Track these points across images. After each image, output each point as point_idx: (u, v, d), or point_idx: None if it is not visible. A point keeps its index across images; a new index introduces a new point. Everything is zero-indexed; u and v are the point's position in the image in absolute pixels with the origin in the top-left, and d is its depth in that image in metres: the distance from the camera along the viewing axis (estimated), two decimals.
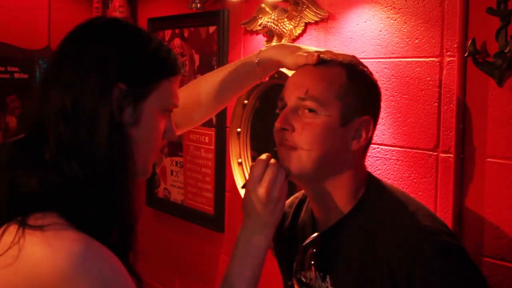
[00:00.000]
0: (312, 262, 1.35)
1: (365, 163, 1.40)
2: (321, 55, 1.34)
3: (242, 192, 2.40)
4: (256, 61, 1.49)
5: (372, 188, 1.34)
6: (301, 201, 1.51)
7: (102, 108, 1.09)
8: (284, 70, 2.12)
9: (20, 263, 0.98)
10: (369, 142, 1.36)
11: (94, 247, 1.01)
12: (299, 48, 1.43)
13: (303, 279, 1.39)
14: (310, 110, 1.28)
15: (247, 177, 2.41)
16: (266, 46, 2.27)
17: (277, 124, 1.31)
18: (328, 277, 1.33)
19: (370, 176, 1.37)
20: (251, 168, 1.29)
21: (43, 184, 1.04)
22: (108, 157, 1.09)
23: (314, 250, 1.35)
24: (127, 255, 1.17)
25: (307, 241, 1.35)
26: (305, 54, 1.36)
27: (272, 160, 1.29)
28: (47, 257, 0.97)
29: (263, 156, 1.29)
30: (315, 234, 1.35)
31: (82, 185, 1.07)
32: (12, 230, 1.00)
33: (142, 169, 1.22)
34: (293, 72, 1.40)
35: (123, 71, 1.12)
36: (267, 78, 1.57)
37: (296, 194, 1.57)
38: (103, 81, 1.10)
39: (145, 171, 1.24)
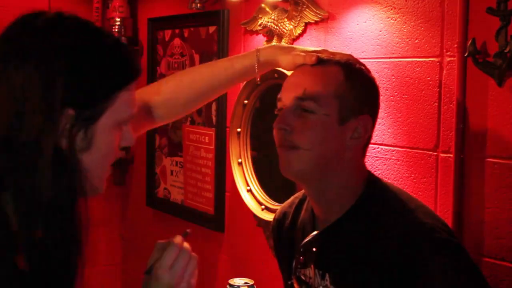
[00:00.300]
0: (312, 260, 1.35)
1: (365, 163, 1.40)
2: (318, 55, 1.34)
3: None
4: (257, 60, 1.47)
5: (371, 187, 1.34)
6: (301, 201, 1.51)
7: (46, 141, 0.96)
8: (283, 70, 2.12)
9: None
10: (368, 140, 1.36)
11: None
12: (294, 48, 1.43)
13: (303, 277, 1.39)
14: (309, 110, 1.29)
15: (247, 177, 2.42)
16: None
17: (276, 125, 1.32)
18: (327, 275, 1.34)
19: (370, 174, 1.38)
20: (163, 251, 1.17)
21: None
22: (51, 200, 0.97)
23: (314, 248, 1.35)
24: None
25: (307, 239, 1.36)
26: (302, 54, 1.36)
27: (186, 245, 1.20)
28: None
29: (177, 239, 1.19)
30: (315, 232, 1.35)
31: (27, 216, 0.97)
32: None
33: (97, 187, 1.09)
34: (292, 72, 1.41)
35: (71, 94, 0.98)
36: (258, 77, 1.56)
37: (296, 194, 1.57)
38: (47, 107, 0.96)
39: (100, 189, 1.10)
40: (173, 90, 1.52)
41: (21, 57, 0.99)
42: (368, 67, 1.42)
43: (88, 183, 1.04)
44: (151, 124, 1.54)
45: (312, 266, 1.35)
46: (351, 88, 1.31)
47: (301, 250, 1.38)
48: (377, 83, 1.40)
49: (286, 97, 1.33)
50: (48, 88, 0.97)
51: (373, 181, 1.36)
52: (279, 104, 1.35)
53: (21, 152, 0.96)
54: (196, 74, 1.55)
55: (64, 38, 1.01)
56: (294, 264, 1.41)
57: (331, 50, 1.43)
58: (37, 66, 0.97)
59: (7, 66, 0.99)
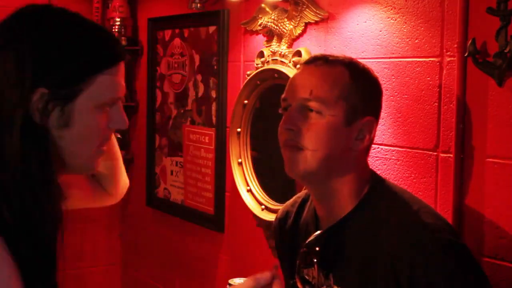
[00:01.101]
0: (315, 260, 1.35)
1: (368, 162, 1.40)
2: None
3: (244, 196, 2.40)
4: None
5: (375, 187, 1.34)
6: (304, 200, 1.51)
7: (17, 114, 1.03)
8: (284, 69, 2.13)
9: None
10: (372, 141, 1.37)
11: None
12: None
13: (306, 277, 1.39)
14: (315, 111, 1.29)
15: (247, 177, 2.41)
16: (266, 46, 2.28)
17: (282, 125, 1.32)
18: (331, 275, 1.33)
19: (373, 174, 1.38)
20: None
21: None
22: (22, 166, 1.03)
23: (317, 248, 1.35)
24: (44, 270, 1.06)
25: (310, 239, 1.36)
26: None
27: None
28: None
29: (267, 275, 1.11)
30: (318, 232, 1.35)
31: None
32: None
33: (85, 165, 1.16)
34: (294, 72, 1.40)
35: (43, 74, 1.05)
36: None
37: (299, 194, 1.57)
38: (19, 85, 1.04)
39: (89, 167, 1.18)
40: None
41: (5, 38, 1.08)
42: (369, 67, 1.42)
43: (71, 159, 1.11)
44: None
45: (315, 266, 1.35)
46: (357, 89, 1.31)
47: (305, 249, 1.38)
48: (380, 83, 1.40)
49: (292, 98, 1.33)
50: (19, 67, 1.04)
51: (376, 181, 1.36)
52: (284, 104, 1.35)
53: None
54: None
55: (41, 23, 1.08)
56: (297, 263, 1.41)
57: (331, 53, 1.42)
58: (15, 47, 1.06)
59: None
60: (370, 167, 1.44)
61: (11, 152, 1.03)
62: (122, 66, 1.14)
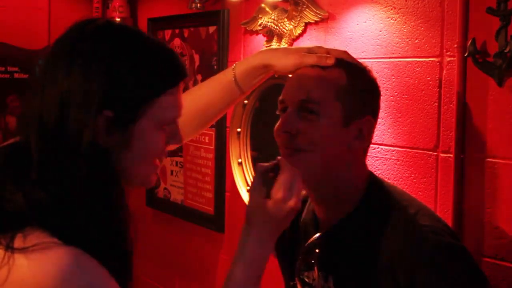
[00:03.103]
0: (315, 262, 1.35)
1: (366, 163, 1.40)
2: (335, 56, 1.33)
3: (245, 197, 2.40)
4: (233, 78, 1.44)
5: (373, 188, 1.34)
6: (303, 202, 1.51)
7: (82, 136, 1.02)
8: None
9: (9, 285, 0.96)
10: (370, 142, 1.36)
11: (81, 260, 0.98)
12: (288, 49, 1.41)
13: (306, 279, 1.39)
14: (312, 112, 1.28)
15: (247, 177, 2.42)
16: (266, 46, 2.28)
17: (279, 127, 1.31)
18: (330, 277, 1.33)
19: (371, 176, 1.37)
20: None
21: (28, 201, 1.00)
22: (88, 184, 1.03)
23: (317, 250, 1.35)
24: (123, 279, 1.08)
25: (310, 241, 1.36)
26: (311, 54, 1.34)
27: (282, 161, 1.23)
28: (36, 277, 0.95)
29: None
30: (318, 234, 1.35)
31: (66, 204, 1.02)
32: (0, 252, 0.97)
33: (143, 182, 1.17)
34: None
35: (110, 97, 1.04)
36: (248, 92, 1.52)
37: None
38: (87, 108, 1.02)
39: (147, 183, 1.18)
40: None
41: (68, 59, 1.05)
42: (368, 67, 1.42)
43: (132, 177, 1.12)
44: None
45: (315, 268, 1.35)
46: (354, 89, 1.30)
47: (304, 251, 1.37)
48: (378, 84, 1.40)
49: (289, 99, 1.32)
50: (87, 92, 1.03)
51: (375, 183, 1.36)
52: (281, 106, 1.35)
53: (64, 146, 1.03)
54: (195, 95, 1.52)
55: (106, 43, 1.06)
56: (297, 266, 1.40)
57: (326, 47, 1.42)
58: (80, 69, 1.03)
59: (58, 67, 1.05)
60: (370, 167, 1.44)
61: (78, 175, 1.02)
62: (182, 84, 1.14)
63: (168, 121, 1.12)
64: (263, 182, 1.21)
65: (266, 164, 1.24)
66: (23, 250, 0.96)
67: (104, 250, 1.02)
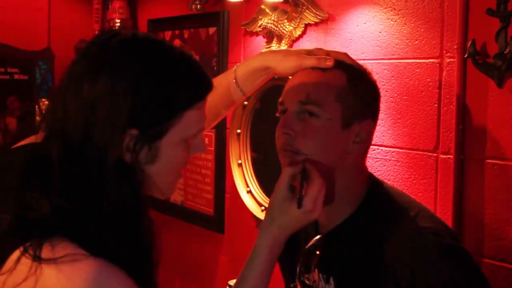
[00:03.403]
0: (316, 264, 1.35)
1: (366, 164, 1.40)
2: (335, 58, 1.33)
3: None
4: (233, 80, 1.45)
5: (374, 190, 1.34)
6: None
7: (111, 155, 1.02)
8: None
9: None
10: (369, 144, 1.36)
11: (108, 271, 0.99)
12: (288, 51, 1.41)
13: (307, 282, 1.39)
14: (312, 114, 1.28)
15: (247, 178, 2.41)
16: (266, 48, 2.28)
17: (279, 129, 1.31)
18: (331, 279, 1.33)
19: (371, 177, 1.37)
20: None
21: (54, 210, 1.00)
22: (114, 198, 1.03)
23: (318, 252, 1.35)
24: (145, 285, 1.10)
25: (311, 243, 1.35)
26: (311, 56, 1.34)
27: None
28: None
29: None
30: (318, 237, 1.35)
31: (92, 216, 1.02)
32: (26, 261, 0.97)
33: (167, 191, 1.19)
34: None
35: (136, 116, 1.03)
36: (249, 93, 1.52)
37: None
38: (112, 127, 1.02)
39: (169, 192, 1.21)
40: None
41: (94, 75, 1.04)
42: (368, 68, 1.42)
43: (155, 189, 1.13)
44: None
45: (316, 270, 1.35)
46: (354, 92, 1.30)
47: (305, 254, 1.37)
48: (378, 86, 1.40)
49: (289, 101, 1.32)
50: (114, 110, 1.02)
51: (375, 185, 1.36)
52: (281, 108, 1.34)
53: (89, 162, 1.03)
54: None
55: (132, 60, 1.05)
56: (298, 268, 1.40)
57: (325, 49, 1.42)
58: (106, 86, 1.02)
59: (83, 82, 1.04)
60: (370, 168, 1.44)
61: (104, 189, 1.02)
62: (206, 101, 1.13)
63: (193, 135, 1.12)
64: (289, 186, 1.22)
65: (293, 168, 1.23)
66: (51, 261, 0.96)
67: (129, 262, 1.03)
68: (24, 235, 0.99)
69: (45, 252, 0.97)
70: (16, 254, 0.99)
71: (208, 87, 1.12)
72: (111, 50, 1.05)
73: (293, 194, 1.21)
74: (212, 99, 1.25)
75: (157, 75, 1.05)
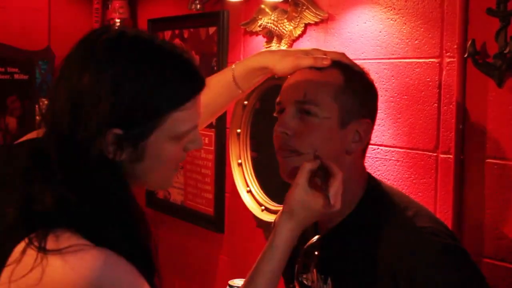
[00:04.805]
0: (314, 265, 1.35)
1: (365, 164, 1.40)
2: (331, 58, 1.33)
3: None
4: (232, 79, 1.45)
5: (372, 190, 1.34)
6: None
7: (90, 152, 1.02)
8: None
9: (43, 286, 0.97)
10: (367, 143, 1.36)
11: (113, 261, 1.00)
12: (286, 52, 1.42)
13: (305, 282, 1.39)
14: (309, 113, 1.28)
15: (247, 178, 2.41)
16: (266, 47, 2.28)
17: (276, 129, 1.31)
18: (329, 279, 1.33)
19: (370, 177, 1.37)
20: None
21: (58, 202, 1.01)
22: (99, 191, 1.04)
23: (316, 252, 1.35)
24: (150, 274, 1.13)
25: (309, 243, 1.36)
26: (307, 56, 1.35)
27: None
28: (70, 279, 0.97)
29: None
30: (317, 237, 1.35)
31: (90, 206, 1.03)
32: (32, 253, 0.98)
33: (162, 185, 1.24)
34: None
35: (119, 116, 1.02)
36: (248, 91, 1.53)
37: None
38: (93, 123, 1.01)
39: (166, 186, 1.22)
40: None
41: (80, 72, 1.04)
42: (368, 68, 1.42)
43: (149, 183, 1.17)
44: None
45: (314, 270, 1.35)
46: (351, 91, 1.30)
47: (303, 254, 1.37)
48: (376, 85, 1.40)
49: (286, 101, 1.32)
50: (95, 109, 1.01)
51: (373, 185, 1.36)
52: (278, 108, 1.35)
53: (75, 156, 1.03)
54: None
55: (115, 60, 1.04)
56: (296, 268, 1.40)
57: (323, 50, 1.42)
58: (89, 85, 1.02)
59: (70, 78, 1.05)
60: (369, 168, 1.44)
61: (89, 181, 1.03)
62: (198, 98, 1.10)
63: (184, 132, 1.10)
64: (309, 181, 1.23)
65: (312, 163, 1.24)
66: (56, 251, 0.97)
67: (130, 250, 1.04)
68: (29, 227, 1.00)
69: (50, 243, 0.98)
70: (21, 245, 0.99)
71: (198, 87, 1.10)
72: (96, 48, 1.04)
73: (312, 189, 1.23)
74: (209, 96, 1.25)
75: (139, 76, 1.03)
